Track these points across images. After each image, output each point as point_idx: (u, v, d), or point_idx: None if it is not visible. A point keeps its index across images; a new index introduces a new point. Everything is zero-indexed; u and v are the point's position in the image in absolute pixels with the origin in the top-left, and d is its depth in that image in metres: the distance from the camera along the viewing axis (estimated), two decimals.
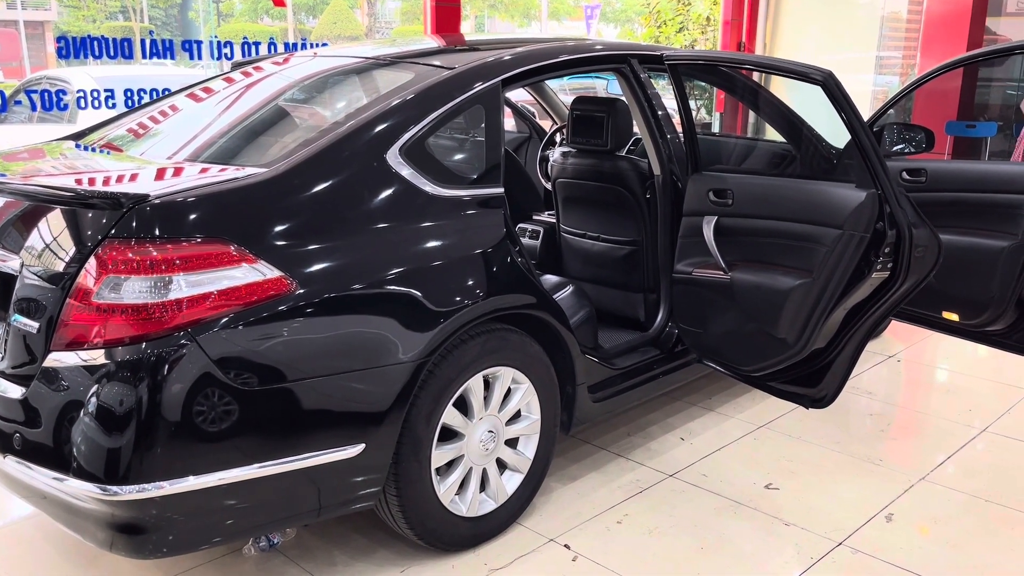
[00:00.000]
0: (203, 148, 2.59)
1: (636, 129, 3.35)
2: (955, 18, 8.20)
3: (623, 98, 3.30)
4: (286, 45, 6.02)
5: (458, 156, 2.67)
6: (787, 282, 2.66)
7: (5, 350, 2.13)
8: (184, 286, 1.95)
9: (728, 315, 2.91)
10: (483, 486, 2.63)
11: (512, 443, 2.71)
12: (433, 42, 3.54)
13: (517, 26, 38.30)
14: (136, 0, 33.30)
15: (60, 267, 2.01)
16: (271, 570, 2.52)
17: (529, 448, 2.74)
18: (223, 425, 1.99)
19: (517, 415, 2.69)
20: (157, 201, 1.99)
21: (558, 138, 4.60)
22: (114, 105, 5.73)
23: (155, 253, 1.94)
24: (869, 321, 2.64)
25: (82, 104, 5.53)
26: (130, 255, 1.93)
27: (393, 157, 2.37)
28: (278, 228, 2.12)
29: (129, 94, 5.38)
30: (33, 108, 6.62)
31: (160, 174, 2.36)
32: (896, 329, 4.59)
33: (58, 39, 5.08)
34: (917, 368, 4.34)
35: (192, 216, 2.01)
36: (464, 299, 2.39)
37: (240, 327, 1.99)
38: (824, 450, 3.30)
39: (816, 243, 2.58)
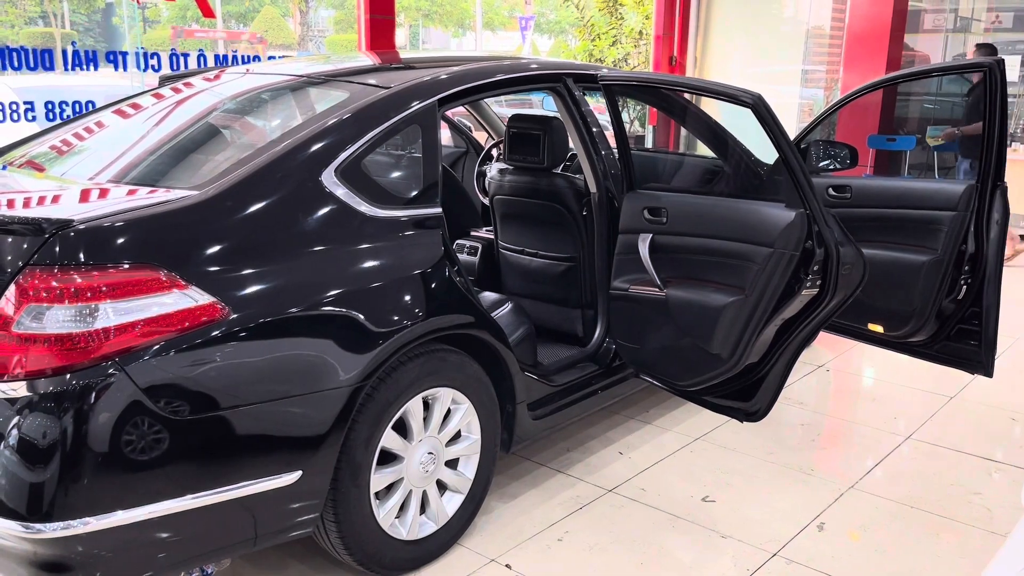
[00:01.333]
0: (130, 168, 2.52)
1: (572, 146, 3.38)
2: (875, 34, 8.51)
3: (559, 115, 3.33)
4: (216, 58, 5.89)
5: (394, 176, 2.65)
6: (720, 299, 2.71)
7: None
8: (111, 314, 1.88)
9: (663, 331, 2.95)
10: (423, 508, 2.61)
11: (452, 464, 2.70)
12: (367, 60, 3.51)
13: (452, 36, 38.30)
14: (57, 5, 32.24)
15: None
16: None
17: (469, 468, 2.73)
18: (154, 456, 1.93)
19: (457, 435, 2.68)
20: (82, 226, 1.92)
21: (494, 153, 4.61)
22: (34, 118, 5.51)
23: (80, 280, 1.87)
24: (800, 336, 2.72)
25: (15, 117, 5.30)
26: (53, 283, 1.86)
27: (328, 178, 2.34)
28: (210, 252, 2.07)
29: (50, 107, 5.19)
30: None
31: (85, 196, 2.28)
32: (824, 340, 4.72)
33: None
34: (845, 377, 4.47)
35: (119, 241, 1.95)
36: (402, 320, 2.37)
37: (171, 355, 1.94)
38: (758, 461, 3.37)
39: (748, 261, 2.63)
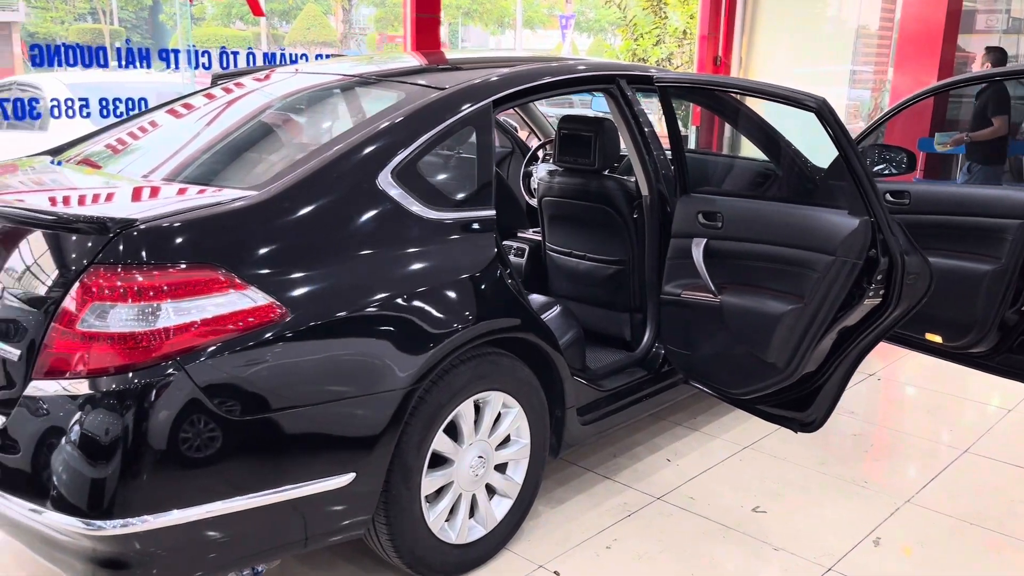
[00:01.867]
0: (186, 166, 2.54)
1: (623, 148, 3.34)
2: (928, 35, 8.32)
3: (610, 117, 3.29)
4: (265, 56, 5.93)
5: (448, 178, 2.63)
6: (778, 307, 2.65)
7: None
8: (172, 314, 1.89)
9: (716, 338, 2.90)
10: (472, 512, 2.60)
11: (501, 468, 2.67)
12: (418, 60, 3.50)
13: (491, 35, 38.29)
14: (106, 2, 32.82)
15: (43, 292, 1.95)
16: None
17: (518, 473, 2.71)
18: (212, 456, 1.93)
19: (506, 440, 2.66)
20: (144, 226, 1.93)
21: (540, 154, 4.59)
22: (88, 115, 5.61)
23: (142, 280, 1.88)
24: (860, 346, 2.65)
25: (55, 113, 5.40)
26: (117, 282, 1.87)
27: (384, 180, 2.33)
28: (267, 253, 2.07)
29: (104, 103, 5.27)
30: (5, 116, 6.45)
31: (145, 195, 2.30)
32: (876, 348, 4.61)
33: (31, 47, 4.97)
34: (896, 387, 4.37)
35: (180, 241, 1.96)
36: (455, 323, 2.35)
37: (229, 355, 1.94)
38: (809, 471, 3.31)
39: (808, 268, 2.58)
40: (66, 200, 2.39)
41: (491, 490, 2.65)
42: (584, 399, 2.93)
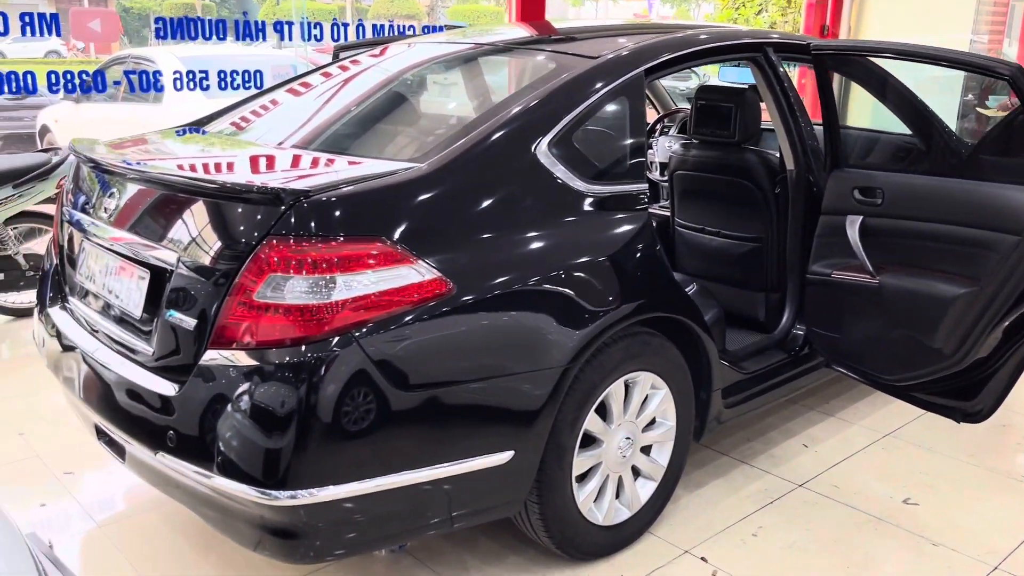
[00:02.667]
0: (338, 138, 2.52)
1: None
2: None
3: (747, 88, 3.15)
4: (374, 28, 5.93)
5: (603, 150, 2.54)
6: (949, 290, 2.49)
7: (154, 344, 2.08)
8: (346, 287, 1.87)
9: (871, 321, 2.76)
10: (617, 494, 2.54)
11: (646, 450, 2.61)
12: (540, 30, 3.40)
13: (571, 4, 37.73)
14: None
15: (217, 263, 1.95)
16: (401, 571, 2.46)
17: (663, 455, 2.63)
18: (380, 431, 1.92)
19: (652, 422, 2.59)
20: (318, 198, 1.91)
21: (659, 127, 4.46)
22: (208, 87, 5.71)
23: (318, 252, 1.87)
24: None
25: (177, 86, 5.51)
26: (293, 254, 1.86)
27: (543, 152, 2.26)
28: (433, 226, 2.03)
29: (222, 76, 5.35)
30: (131, 90, 6.63)
31: (306, 166, 2.29)
32: None
33: (156, 20, 5.06)
34: None
35: (352, 213, 1.93)
36: (613, 300, 2.28)
37: (399, 329, 1.91)
38: (959, 463, 3.14)
39: (986, 249, 2.41)
40: (230, 169, 2.40)
41: (636, 472, 2.59)
42: (727, 381, 2.83)
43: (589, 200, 2.33)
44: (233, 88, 5.80)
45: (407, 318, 1.93)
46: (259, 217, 1.91)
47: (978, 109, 7.24)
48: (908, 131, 3.68)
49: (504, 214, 2.16)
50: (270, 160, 2.37)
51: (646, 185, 2.49)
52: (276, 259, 1.86)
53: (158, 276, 2.10)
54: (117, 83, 5.82)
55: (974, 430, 3.39)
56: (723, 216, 3.34)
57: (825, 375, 3.22)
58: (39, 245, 4.51)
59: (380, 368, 1.89)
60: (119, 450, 2.29)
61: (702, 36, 2.87)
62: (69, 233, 2.54)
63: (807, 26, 9.60)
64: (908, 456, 3.18)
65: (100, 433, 2.37)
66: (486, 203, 2.14)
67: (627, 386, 2.46)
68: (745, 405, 2.90)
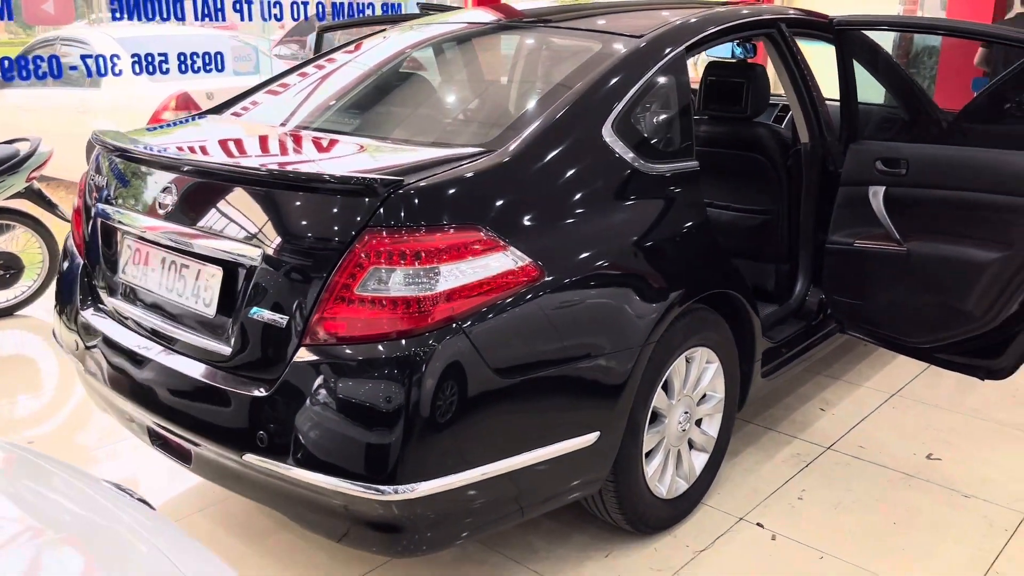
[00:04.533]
0: (394, 125, 2.46)
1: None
2: None
3: (758, 64, 3.21)
4: (334, 7, 5.74)
5: (655, 129, 2.56)
6: (982, 255, 2.62)
7: (232, 343, 2.00)
8: (448, 276, 1.84)
9: (898, 287, 2.87)
10: (676, 467, 2.59)
11: (698, 423, 2.66)
12: (564, 6, 3.38)
13: None
14: None
15: (308, 257, 1.89)
16: (470, 557, 2.45)
17: (713, 427, 2.70)
18: (490, 420, 1.91)
19: (703, 396, 2.64)
20: (418, 186, 1.87)
21: None
22: (153, 71, 5.43)
23: (419, 242, 1.83)
24: None
25: (117, 71, 5.19)
26: (396, 245, 1.81)
27: (608, 133, 2.26)
28: (519, 212, 2.02)
29: (182, 58, 5.11)
30: (56, 74, 6.24)
31: (384, 155, 2.23)
32: None
33: (111, 0, 4.80)
34: None
35: (447, 202, 1.90)
36: (681, 277, 2.32)
37: (499, 316, 1.90)
38: (967, 418, 3.31)
39: (1017, 214, 2.53)
40: (303, 159, 2.30)
41: (691, 445, 2.64)
42: (760, 351, 2.90)
43: (650, 179, 2.35)
44: (180, 72, 5.56)
45: (504, 304, 1.91)
46: (354, 208, 1.86)
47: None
48: (894, 103, 3.82)
49: (580, 197, 2.15)
50: (334, 147, 2.30)
51: (696, 163, 2.52)
52: (379, 251, 1.81)
53: (231, 273, 2.01)
54: (74, 68, 5.49)
55: (968, 385, 3.58)
56: (732, 190, 3.40)
57: (835, 342, 3.34)
58: (7, 243, 4.26)
59: (484, 356, 1.88)
60: (181, 453, 2.20)
61: (730, 13, 2.91)
62: (100, 229, 2.41)
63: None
64: (918, 414, 3.34)
65: (155, 437, 2.28)
66: (563, 187, 2.13)
67: (687, 361, 2.50)
68: (777, 373, 2.99)
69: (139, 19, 4.83)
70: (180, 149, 2.30)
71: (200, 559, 1.20)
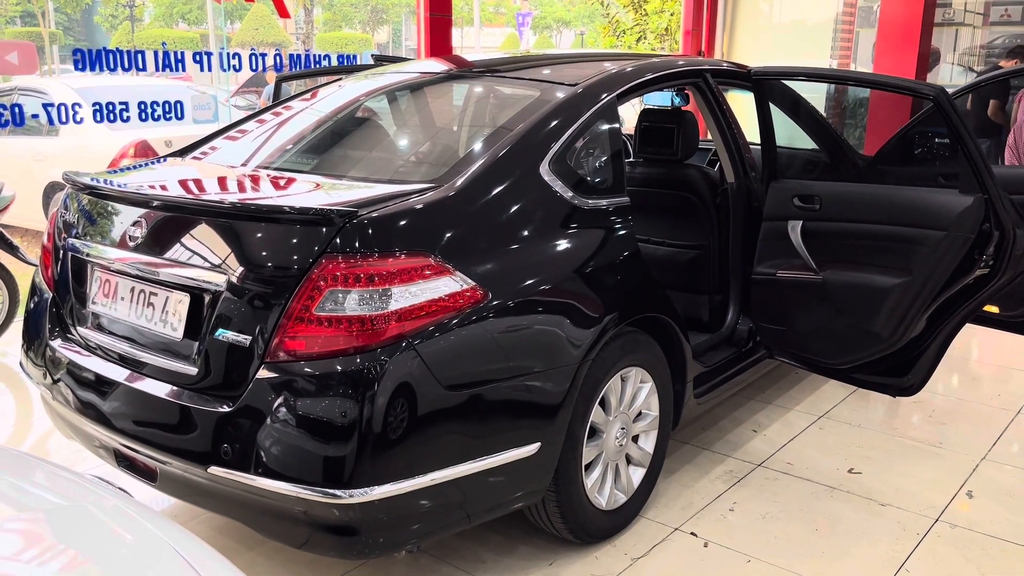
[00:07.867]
0: (345, 164, 2.66)
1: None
2: (908, 27, 8.68)
3: (688, 110, 3.50)
4: (291, 57, 5.97)
5: (588, 168, 2.80)
6: (885, 280, 2.88)
7: (198, 364, 2.16)
8: (399, 298, 2.03)
9: (815, 312, 3.12)
10: (614, 481, 2.77)
11: (635, 439, 2.86)
12: (508, 58, 3.65)
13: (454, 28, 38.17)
14: (42, 2, 31.87)
15: (271, 282, 2.06)
16: (423, 569, 2.60)
17: (649, 443, 2.89)
18: (437, 429, 2.08)
19: (639, 414, 2.84)
20: (371, 216, 2.06)
21: None
22: (114, 119, 5.58)
23: (372, 267, 2.02)
24: (961, 315, 2.90)
25: (77, 118, 5.33)
26: (350, 269, 2.00)
27: (545, 171, 2.49)
28: (464, 240, 2.22)
29: (142, 107, 5.28)
30: (18, 122, 6.36)
31: (337, 189, 2.43)
32: None
33: (74, 51, 4.95)
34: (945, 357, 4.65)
35: (398, 231, 2.10)
36: (614, 301, 2.53)
37: (446, 335, 2.09)
38: (886, 436, 3.56)
39: (916, 244, 2.81)
40: (260, 194, 2.49)
41: (628, 460, 2.83)
42: (694, 374, 3.12)
43: (584, 212, 2.57)
44: (141, 120, 5.71)
45: (451, 324, 2.11)
46: (312, 237, 2.05)
47: None
48: (815, 146, 4.14)
49: (520, 227, 2.37)
50: (292, 184, 2.49)
51: (627, 198, 2.76)
52: (335, 275, 2.00)
53: (198, 299, 2.18)
54: (35, 116, 5.60)
55: (892, 407, 3.85)
56: (667, 227, 3.66)
57: (766, 367, 3.59)
58: None
59: (432, 369, 2.06)
60: (147, 472, 2.33)
61: (657, 64, 3.19)
62: (70, 263, 2.56)
63: (684, 52, 10.28)
64: (842, 433, 3.58)
65: (120, 458, 2.40)
66: (505, 218, 2.35)
67: (622, 380, 2.71)
68: (709, 395, 3.21)
69: (101, 71, 4.98)
70: (148, 186, 2.47)
71: (182, 537, 1.36)
